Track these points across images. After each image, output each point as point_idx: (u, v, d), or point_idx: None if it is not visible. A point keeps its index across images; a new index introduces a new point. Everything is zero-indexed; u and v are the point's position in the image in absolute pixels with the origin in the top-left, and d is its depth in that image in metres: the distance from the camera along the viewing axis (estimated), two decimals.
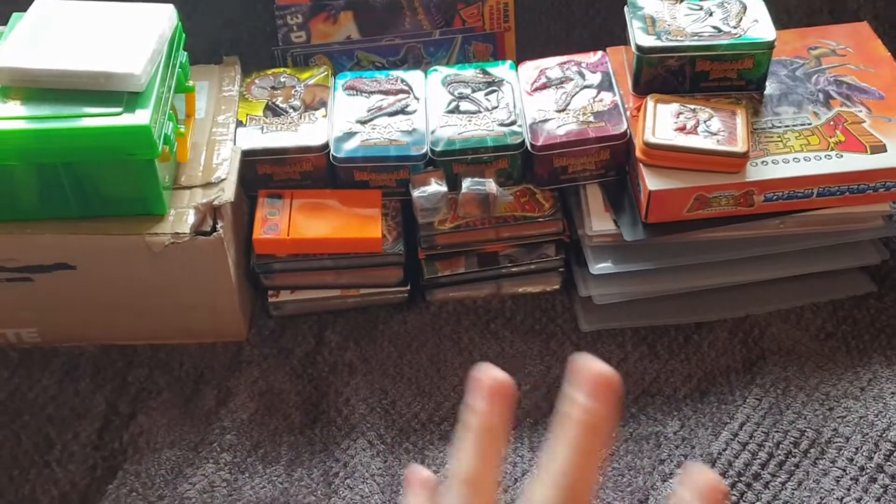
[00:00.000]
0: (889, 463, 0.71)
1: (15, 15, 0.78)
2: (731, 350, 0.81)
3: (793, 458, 0.73)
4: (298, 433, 0.77)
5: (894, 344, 0.81)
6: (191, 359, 0.82)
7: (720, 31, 0.82)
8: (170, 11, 0.79)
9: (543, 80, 0.86)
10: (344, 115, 0.85)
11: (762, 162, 0.77)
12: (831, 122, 0.80)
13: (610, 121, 0.81)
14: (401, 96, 0.87)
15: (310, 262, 0.82)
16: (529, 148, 0.82)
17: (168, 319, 0.82)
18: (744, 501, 0.70)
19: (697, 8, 0.84)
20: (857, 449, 0.73)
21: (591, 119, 0.82)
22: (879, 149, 0.78)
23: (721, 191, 0.77)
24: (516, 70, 0.89)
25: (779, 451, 0.73)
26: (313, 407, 0.79)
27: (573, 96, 0.84)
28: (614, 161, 0.82)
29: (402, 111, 0.85)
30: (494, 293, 0.86)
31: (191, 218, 0.75)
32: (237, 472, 0.74)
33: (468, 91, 0.87)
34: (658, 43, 0.81)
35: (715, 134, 0.77)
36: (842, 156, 0.78)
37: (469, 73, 0.89)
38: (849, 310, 0.84)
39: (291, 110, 0.86)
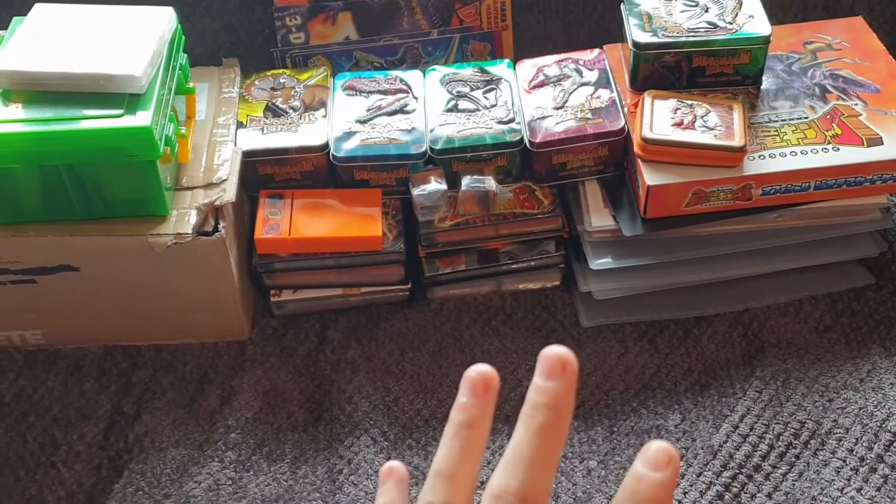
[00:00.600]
0: (889, 453, 0.72)
1: (16, 19, 0.78)
2: (731, 343, 0.82)
3: (793, 450, 0.73)
4: (302, 431, 0.78)
5: (893, 335, 0.81)
6: (194, 359, 0.83)
7: (716, 26, 0.82)
8: (169, 14, 0.79)
9: (541, 77, 0.87)
10: (343, 115, 0.86)
11: (759, 156, 0.78)
12: (828, 116, 0.81)
13: (608, 117, 0.82)
14: (399, 96, 0.87)
15: (311, 261, 0.83)
16: (528, 145, 0.82)
17: (171, 320, 0.82)
18: (745, 493, 0.71)
19: (693, 4, 0.85)
20: (856, 440, 0.73)
21: (589, 116, 0.82)
22: (876, 141, 0.78)
23: (719, 185, 0.77)
24: (514, 68, 0.89)
25: (779, 443, 0.74)
26: (317, 405, 0.80)
27: (571, 93, 0.85)
28: (613, 157, 0.82)
29: (401, 110, 0.86)
30: (495, 290, 0.86)
31: (193, 218, 0.76)
32: (242, 471, 0.75)
33: (467, 90, 0.87)
34: (655, 39, 0.81)
35: (712, 129, 0.78)
36: (838, 149, 0.78)
37: (467, 71, 0.89)
38: (847, 302, 0.84)
39: (291, 111, 0.86)
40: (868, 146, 0.78)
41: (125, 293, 0.80)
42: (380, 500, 0.36)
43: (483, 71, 0.89)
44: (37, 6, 0.79)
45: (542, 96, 0.85)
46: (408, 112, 0.86)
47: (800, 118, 0.81)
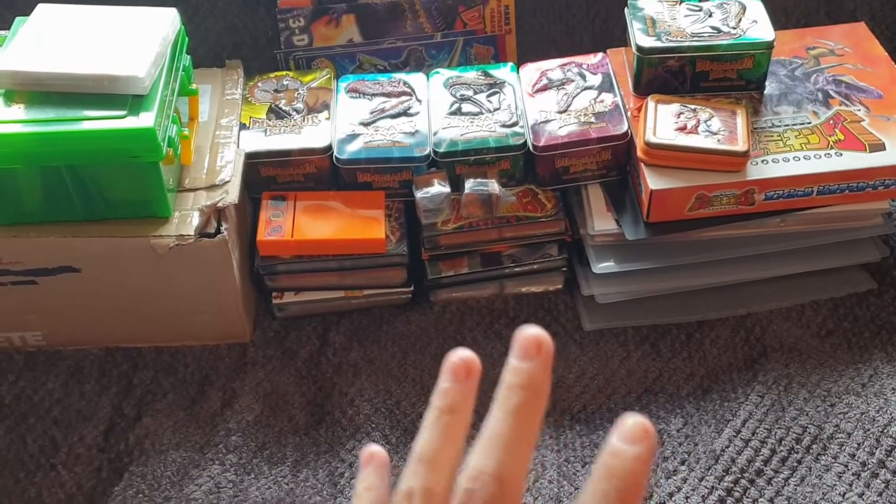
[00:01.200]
0: (890, 458, 0.72)
1: (18, 19, 0.78)
2: (733, 348, 0.82)
3: (795, 455, 0.73)
4: (303, 434, 0.77)
5: (895, 340, 0.82)
6: (195, 361, 0.83)
7: (720, 31, 0.82)
8: (173, 15, 0.79)
9: (545, 81, 0.87)
10: (347, 118, 0.85)
11: (762, 161, 0.78)
12: (830, 121, 0.81)
13: (611, 121, 0.82)
14: (403, 98, 0.87)
15: (313, 263, 0.83)
16: (531, 149, 0.82)
17: (172, 321, 0.82)
18: (747, 497, 0.71)
19: (697, 9, 0.85)
20: (858, 445, 0.73)
21: (593, 120, 0.82)
22: (878, 147, 0.79)
23: (722, 190, 0.77)
24: (517, 72, 0.89)
25: (781, 448, 0.74)
26: (318, 408, 0.79)
27: (574, 97, 0.85)
28: (616, 161, 0.83)
29: (405, 113, 0.86)
30: (498, 293, 0.86)
31: (195, 220, 0.76)
32: (243, 474, 0.74)
33: (470, 93, 0.87)
34: (658, 44, 0.82)
35: (715, 133, 0.78)
36: (841, 154, 0.78)
37: (471, 75, 0.89)
38: (849, 307, 0.84)
39: (294, 113, 0.86)
40: (870, 152, 0.78)
41: (126, 295, 0.80)
42: (360, 486, 0.36)
43: (487, 74, 0.89)
44: (39, 6, 0.78)
45: (546, 100, 0.85)
46: (411, 115, 0.86)
47: (803, 123, 0.81)
